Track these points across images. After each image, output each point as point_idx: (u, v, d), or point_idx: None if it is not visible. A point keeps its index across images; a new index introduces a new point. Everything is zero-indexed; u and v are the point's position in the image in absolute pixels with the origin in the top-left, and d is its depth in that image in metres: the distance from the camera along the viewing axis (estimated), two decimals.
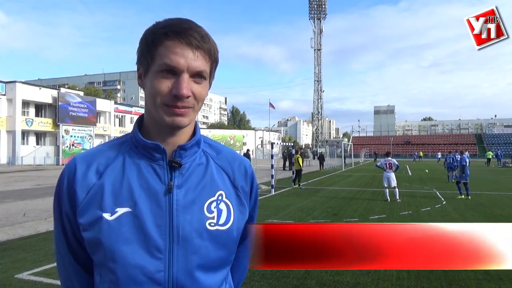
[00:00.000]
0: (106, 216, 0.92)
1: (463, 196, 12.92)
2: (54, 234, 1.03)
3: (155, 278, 0.91)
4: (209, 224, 0.96)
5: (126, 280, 0.91)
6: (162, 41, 0.93)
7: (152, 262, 0.91)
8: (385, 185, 12.62)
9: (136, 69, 1.02)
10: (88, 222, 0.92)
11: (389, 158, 12.95)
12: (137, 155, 1.00)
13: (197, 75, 0.94)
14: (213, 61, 0.99)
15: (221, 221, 0.99)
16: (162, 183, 0.97)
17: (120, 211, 0.93)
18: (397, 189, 12.46)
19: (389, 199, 12.24)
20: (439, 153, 50.29)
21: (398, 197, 12.36)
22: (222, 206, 1.01)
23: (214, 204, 1.00)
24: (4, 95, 36.21)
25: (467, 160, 13.38)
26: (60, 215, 0.98)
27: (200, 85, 0.96)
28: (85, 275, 1.01)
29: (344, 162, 32.79)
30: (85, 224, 0.93)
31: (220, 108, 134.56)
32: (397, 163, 12.87)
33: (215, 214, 0.99)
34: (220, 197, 1.02)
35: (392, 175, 12.48)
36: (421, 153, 64.84)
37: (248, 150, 26.18)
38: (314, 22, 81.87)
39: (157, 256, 0.91)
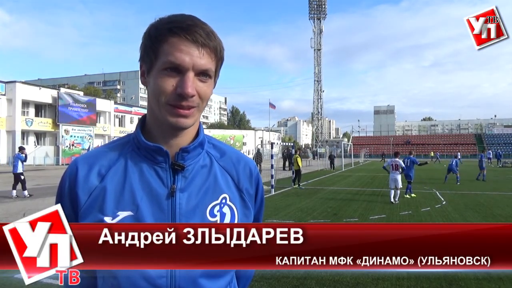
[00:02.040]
0: (107, 219, 0.91)
1: (413, 195, 13.32)
2: None
3: (158, 284, 0.90)
4: None
5: (128, 286, 0.90)
6: (166, 38, 0.89)
7: None
8: (392, 187, 12.30)
9: (138, 67, 0.99)
10: None
11: (396, 159, 12.59)
12: (139, 157, 0.98)
13: (202, 74, 0.91)
14: (219, 59, 0.96)
15: None
16: (164, 187, 0.95)
17: (122, 214, 0.92)
18: (398, 191, 12.30)
19: (392, 201, 11.94)
20: (459, 153, 46.48)
21: (397, 199, 12.22)
22: (226, 209, 0.99)
23: (217, 207, 0.98)
24: (4, 95, 36.20)
25: (405, 161, 13.73)
26: None
27: (205, 84, 0.93)
28: (87, 278, 0.99)
29: (334, 163, 32.48)
30: None
31: (220, 108, 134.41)
32: (403, 164, 12.63)
33: (218, 218, 0.97)
34: (223, 201, 0.99)
35: (398, 177, 12.25)
36: (432, 153, 61.55)
37: (259, 149, 24.70)
38: (314, 22, 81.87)
39: None
